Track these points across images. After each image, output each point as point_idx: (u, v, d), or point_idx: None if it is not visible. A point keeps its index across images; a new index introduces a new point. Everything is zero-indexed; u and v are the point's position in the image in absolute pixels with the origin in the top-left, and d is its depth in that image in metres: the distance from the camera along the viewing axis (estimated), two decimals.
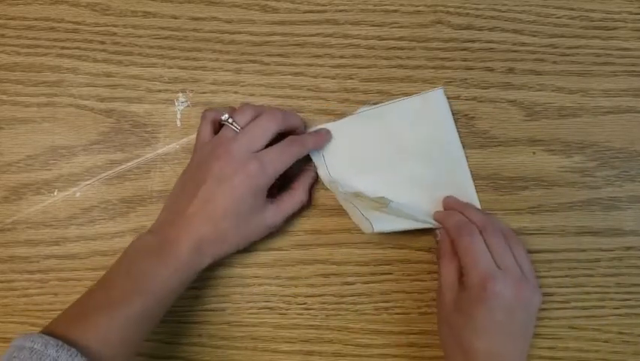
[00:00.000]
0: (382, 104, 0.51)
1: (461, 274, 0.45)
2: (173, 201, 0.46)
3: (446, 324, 0.45)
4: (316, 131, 0.50)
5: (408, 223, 0.48)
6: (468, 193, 0.50)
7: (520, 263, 0.45)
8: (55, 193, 0.51)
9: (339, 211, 0.51)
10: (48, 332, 0.38)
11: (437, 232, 0.48)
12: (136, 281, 0.42)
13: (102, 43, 0.53)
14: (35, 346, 0.36)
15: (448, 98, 0.51)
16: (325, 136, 0.50)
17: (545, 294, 0.50)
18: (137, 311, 0.41)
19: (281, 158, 0.46)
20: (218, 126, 0.47)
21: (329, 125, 0.50)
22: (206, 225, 0.44)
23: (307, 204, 0.50)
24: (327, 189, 0.51)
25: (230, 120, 0.46)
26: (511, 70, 0.52)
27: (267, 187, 0.46)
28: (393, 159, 0.50)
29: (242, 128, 0.46)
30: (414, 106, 0.50)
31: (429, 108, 0.50)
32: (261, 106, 0.49)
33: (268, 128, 0.46)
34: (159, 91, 0.52)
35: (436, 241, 0.49)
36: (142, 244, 0.44)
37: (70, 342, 0.37)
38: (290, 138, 0.47)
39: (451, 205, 0.49)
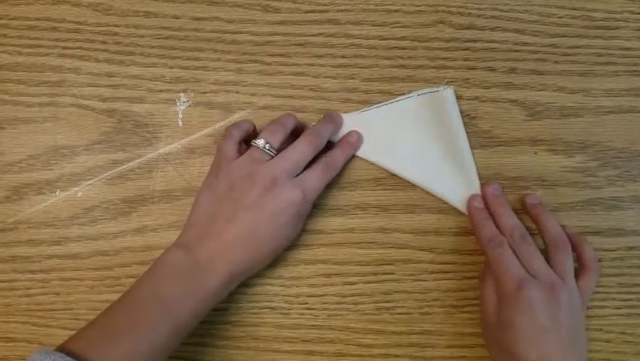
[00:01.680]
0: (389, 101, 0.51)
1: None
2: (204, 219, 0.45)
3: (495, 345, 0.45)
4: (346, 138, 0.50)
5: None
6: (474, 191, 0.50)
7: (558, 269, 0.45)
8: (57, 193, 0.51)
9: (341, 211, 0.51)
10: (66, 350, 0.37)
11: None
12: (162, 306, 0.41)
13: (104, 43, 0.53)
14: None
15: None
16: (356, 143, 0.50)
17: None
18: (162, 338, 0.40)
19: (319, 184, 0.47)
20: (244, 143, 0.48)
21: (344, 117, 0.51)
22: (244, 251, 0.44)
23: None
24: (328, 188, 0.51)
25: (267, 147, 0.46)
26: (512, 70, 0.52)
27: (307, 213, 0.47)
28: (400, 156, 0.50)
29: (277, 151, 0.46)
30: (421, 104, 0.51)
31: (437, 106, 0.50)
32: (288, 117, 0.49)
33: (306, 153, 0.47)
34: (161, 91, 0.52)
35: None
36: (172, 262, 0.43)
37: None
38: (325, 160, 0.48)
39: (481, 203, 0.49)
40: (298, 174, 0.46)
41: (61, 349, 0.38)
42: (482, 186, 0.50)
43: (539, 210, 0.49)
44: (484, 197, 0.49)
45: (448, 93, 0.50)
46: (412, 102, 0.51)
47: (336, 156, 0.49)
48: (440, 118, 0.50)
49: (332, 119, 0.50)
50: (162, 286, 0.42)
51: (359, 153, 0.50)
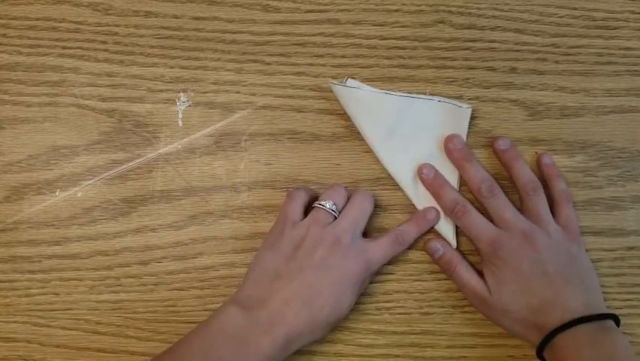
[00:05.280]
0: (409, 94, 0.51)
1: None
2: (266, 277, 0.44)
3: (501, 315, 0.45)
4: (424, 214, 0.49)
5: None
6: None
7: (532, 214, 0.47)
8: (57, 193, 0.51)
9: None
10: None
11: (438, 246, 0.48)
12: None
13: (104, 43, 0.53)
14: None
15: (450, 97, 0.51)
16: (431, 219, 0.49)
17: None
18: None
19: (385, 257, 0.47)
20: (307, 206, 0.48)
21: (374, 91, 0.51)
22: (304, 313, 0.42)
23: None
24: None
25: (334, 208, 0.46)
26: (513, 69, 0.52)
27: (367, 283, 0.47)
28: (393, 148, 0.50)
29: (340, 212, 0.46)
30: (437, 110, 0.50)
31: (450, 118, 0.50)
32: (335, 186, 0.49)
33: (366, 210, 0.47)
34: (161, 91, 0.52)
35: (437, 258, 0.49)
36: (227, 321, 0.42)
37: None
38: (397, 234, 0.47)
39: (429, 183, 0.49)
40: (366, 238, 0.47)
41: None
42: (445, 141, 0.50)
43: (511, 155, 0.49)
44: (447, 153, 0.49)
45: (467, 112, 0.50)
46: (430, 105, 0.51)
47: (409, 231, 0.48)
48: (448, 130, 0.50)
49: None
50: (214, 348, 0.41)
51: (357, 120, 0.50)
